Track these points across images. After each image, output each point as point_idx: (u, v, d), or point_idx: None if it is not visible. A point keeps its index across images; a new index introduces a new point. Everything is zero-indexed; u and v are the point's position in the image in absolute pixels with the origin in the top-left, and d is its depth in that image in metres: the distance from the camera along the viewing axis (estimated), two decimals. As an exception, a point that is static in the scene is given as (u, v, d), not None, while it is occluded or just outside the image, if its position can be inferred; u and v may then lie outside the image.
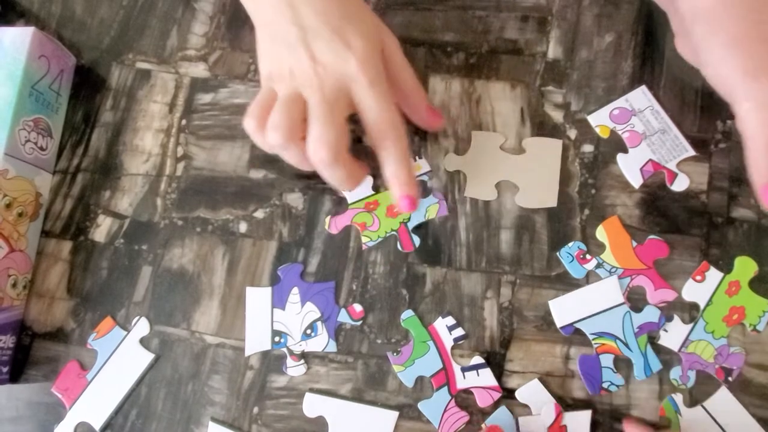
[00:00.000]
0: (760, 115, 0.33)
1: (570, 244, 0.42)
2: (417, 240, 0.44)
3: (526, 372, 0.41)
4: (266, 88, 0.40)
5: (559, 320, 0.41)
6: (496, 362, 0.41)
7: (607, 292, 0.41)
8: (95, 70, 0.51)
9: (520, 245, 0.43)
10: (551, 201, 0.43)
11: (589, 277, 0.42)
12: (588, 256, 0.42)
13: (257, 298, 0.44)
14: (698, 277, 0.41)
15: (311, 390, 0.42)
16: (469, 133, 0.46)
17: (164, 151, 0.48)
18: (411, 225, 0.44)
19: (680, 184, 0.42)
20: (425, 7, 0.48)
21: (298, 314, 0.43)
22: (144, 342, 0.44)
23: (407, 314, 0.42)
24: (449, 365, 0.41)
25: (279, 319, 0.43)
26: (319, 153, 0.37)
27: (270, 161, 0.47)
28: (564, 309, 0.41)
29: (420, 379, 0.41)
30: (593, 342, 0.41)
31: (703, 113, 0.44)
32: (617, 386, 0.40)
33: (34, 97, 0.47)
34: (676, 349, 0.40)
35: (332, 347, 0.42)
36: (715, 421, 0.39)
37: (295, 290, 0.44)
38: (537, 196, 0.44)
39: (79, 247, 0.47)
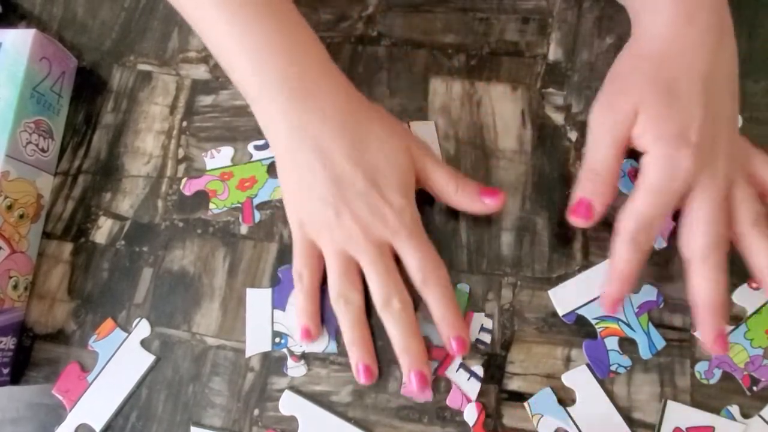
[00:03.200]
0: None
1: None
2: (258, 216, 0.45)
3: (527, 374, 0.41)
4: (302, 238, 0.41)
5: (561, 309, 0.41)
6: (497, 364, 0.41)
7: (604, 275, 0.41)
8: (96, 71, 0.51)
9: (521, 247, 0.43)
10: None
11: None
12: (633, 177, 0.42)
13: (257, 299, 0.44)
14: (754, 285, 0.41)
15: (291, 388, 0.42)
16: (468, 135, 0.46)
17: (165, 152, 0.48)
18: (257, 201, 0.45)
19: None
20: (426, 9, 0.48)
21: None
22: (145, 344, 0.44)
23: (463, 287, 0.42)
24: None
25: (279, 320, 0.43)
26: (396, 306, 0.39)
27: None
28: (564, 297, 0.42)
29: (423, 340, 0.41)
30: (596, 326, 0.41)
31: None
32: (625, 367, 0.40)
33: (36, 99, 0.47)
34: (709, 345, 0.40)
35: (333, 348, 0.42)
36: None
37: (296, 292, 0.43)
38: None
39: (80, 248, 0.47)
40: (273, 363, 0.43)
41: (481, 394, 0.41)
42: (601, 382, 0.40)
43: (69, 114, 0.50)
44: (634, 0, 0.42)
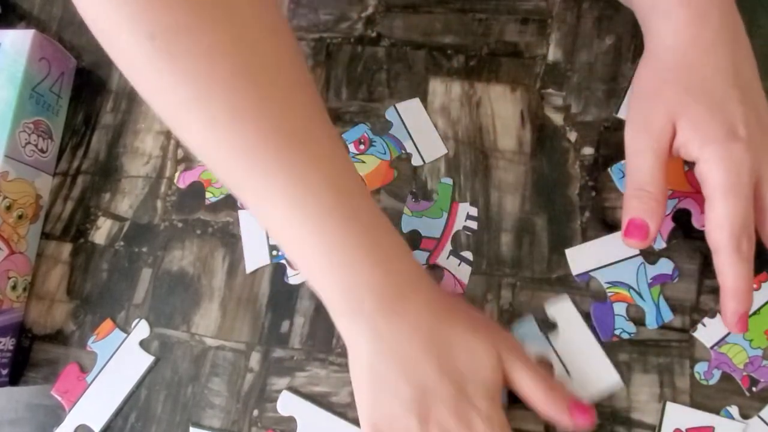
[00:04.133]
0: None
1: (623, 162, 0.43)
2: None
3: (526, 375, 0.41)
4: None
5: (575, 268, 0.42)
6: (496, 365, 0.41)
7: (619, 242, 0.40)
8: (96, 72, 0.51)
9: (520, 248, 0.43)
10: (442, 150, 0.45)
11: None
12: None
13: (248, 219, 0.45)
14: (754, 285, 0.40)
15: (290, 389, 0.42)
16: (468, 136, 0.46)
17: (164, 153, 0.48)
18: None
19: None
20: (426, 9, 0.48)
21: None
22: (144, 344, 0.44)
23: (446, 180, 0.42)
24: (444, 241, 0.42)
25: None
26: None
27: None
28: (580, 258, 0.42)
29: (413, 234, 0.43)
30: (607, 291, 0.41)
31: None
32: (629, 333, 0.40)
33: (35, 100, 0.47)
34: (708, 346, 0.40)
35: None
36: None
37: None
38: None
39: (79, 249, 0.47)
40: (273, 364, 0.43)
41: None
42: (586, 317, 0.41)
43: (68, 114, 0.50)
44: (641, 4, 0.42)
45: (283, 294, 0.44)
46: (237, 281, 0.45)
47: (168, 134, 0.48)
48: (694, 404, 0.40)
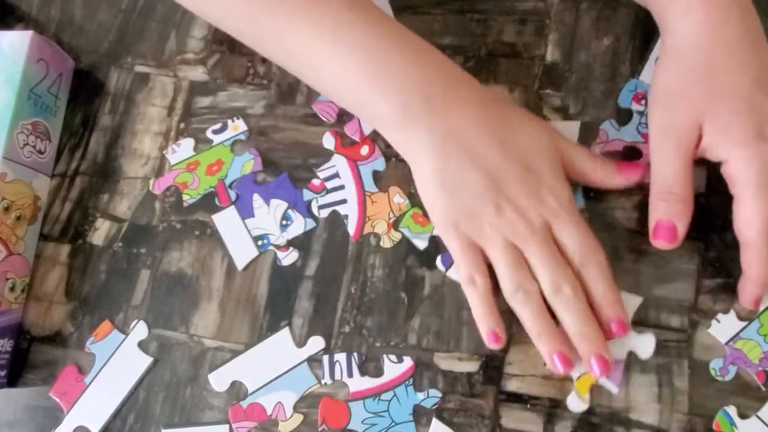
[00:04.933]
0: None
1: (637, 81, 0.45)
2: (233, 195, 0.46)
3: (525, 375, 0.41)
4: (461, 240, 0.39)
5: None
6: (495, 365, 0.41)
7: (565, 131, 0.43)
8: (94, 73, 0.51)
9: (518, 248, 0.43)
10: None
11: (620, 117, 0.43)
12: (642, 102, 0.44)
13: (225, 219, 0.46)
14: None
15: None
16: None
17: (163, 154, 0.48)
18: (228, 181, 0.46)
19: None
20: (423, 10, 0.48)
21: (269, 213, 0.45)
22: (142, 345, 0.44)
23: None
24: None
25: (254, 226, 0.45)
26: (566, 292, 0.38)
27: (268, 165, 0.47)
28: None
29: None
30: None
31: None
32: None
33: (33, 101, 0.47)
34: (723, 342, 0.40)
35: (311, 225, 0.45)
36: None
37: (256, 196, 0.45)
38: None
39: (78, 250, 0.47)
40: (271, 365, 0.43)
41: (480, 395, 0.41)
42: None
43: (66, 116, 0.50)
44: (657, 2, 0.41)
45: (281, 295, 0.44)
46: (235, 282, 0.45)
47: (166, 135, 0.48)
48: (693, 405, 0.40)
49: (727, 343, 0.40)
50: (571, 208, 0.39)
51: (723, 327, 0.40)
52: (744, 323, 0.40)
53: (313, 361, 0.43)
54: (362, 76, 0.38)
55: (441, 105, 0.38)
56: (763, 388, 0.39)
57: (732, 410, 0.39)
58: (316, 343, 0.43)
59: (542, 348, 0.39)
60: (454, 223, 0.39)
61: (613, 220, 0.43)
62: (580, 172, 0.41)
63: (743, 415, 0.39)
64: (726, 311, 0.41)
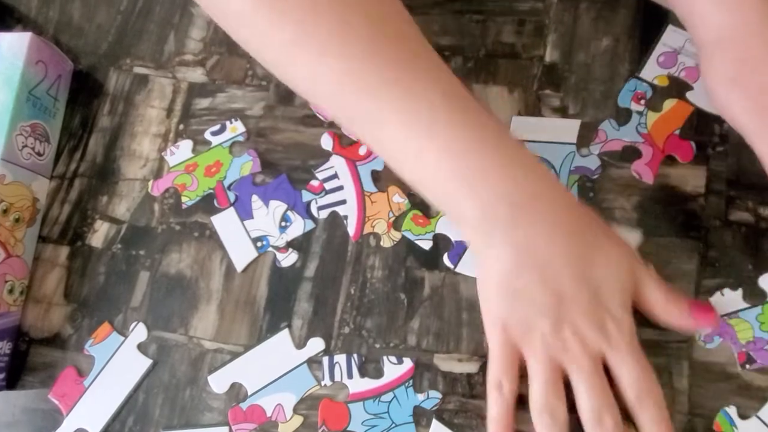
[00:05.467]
0: None
1: (637, 80, 0.45)
2: (232, 196, 0.46)
3: (525, 375, 0.41)
4: (504, 341, 0.37)
5: (513, 133, 0.44)
6: (495, 366, 0.41)
7: (565, 129, 0.44)
8: (93, 75, 0.51)
9: (518, 249, 0.43)
10: None
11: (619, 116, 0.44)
12: (641, 102, 0.44)
13: (224, 221, 0.45)
14: None
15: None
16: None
17: (162, 156, 0.48)
18: (227, 182, 0.46)
19: None
20: (422, 11, 0.48)
21: (267, 214, 0.45)
22: (141, 347, 0.44)
23: None
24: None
25: (253, 228, 0.45)
26: (608, 424, 0.35)
27: (266, 166, 0.47)
28: (523, 127, 0.44)
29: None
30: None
31: (700, 117, 0.44)
32: None
33: (32, 103, 0.46)
34: (720, 314, 0.40)
35: (310, 226, 0.45)
36: None
37: (255, 198, 0.45)
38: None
39: (77, 252, 0.47)
40: (270, 366, 0.43)
41: (480, 396, 0.41)
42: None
43: (65, 117, 0.50)
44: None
45: (281, 296, 0.44)
46: (235, 284, 0.45)
47: (165, 137, 0.48)
48: (693, 405, 0.39)
49: (722, 316, 0.40)
50: (633, 342, 0.37)
51: (725, 301, 0.40)
52: (746, 305, 0.40)
53: (312, 362, 0.42)
54: (450, 174, 0.36)
55: (524, 216, 0.36)
56: (740, 369, 0.39)
57: (732, 410, 0.39)
58: (316, 344, 0.43)
59: None
60: (504, 324, 0.37)
61: (612, 220, 0.43)
62: (649, 307, 0.38)
63: (743, 416, 0.39)
64: (735, 287, 0.41)
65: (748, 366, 0.39)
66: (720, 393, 0.39)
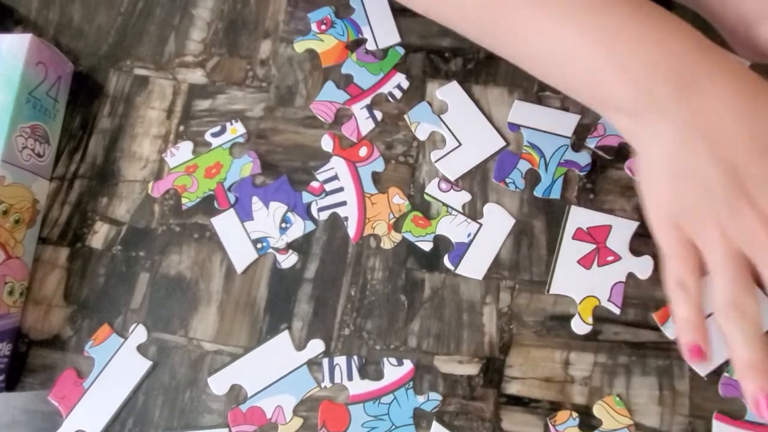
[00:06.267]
0: None
1: None
2: (232, 198, 0.46)
3: (525, 378, 0.41)
4: (678, 239, 0.34)
5: (512, 117, 0.45)
6: (495, 368, 0.41)
7: (563, 122, 0.45)
8: (93, 76, 0.51)
9: (518, 251, 0.43)
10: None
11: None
12: None
13: (224, 222, 0.45)
14: None
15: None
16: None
17: (162, 157, 0.48)
18: (227, 184, 0.46)
19: None
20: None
21: (268, 216, 0.45)
22: (141, 349, 0.44)
23: (399, 49, 0.47)
24: (367, 94, 0.47)
25: (253, 229, 0.45)
26: None
27: (267, 167, 0.47)
28: (522, 112, 0.45)
29: (347, 77, 0.47)
30: (523, 147, 0.45)
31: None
32: (516, 187, 0.44)
33: (32, 104, 0.46)
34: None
35: (311, 227, 0.45)
36: None
37: (255, 199, 0.45)
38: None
39: (77, 253, 0.47)
40: (270, 368, 0.43)
41: (480, 398, 0.41)
42: (471, 96, 0.46)
43: (65, 119, 0.50)
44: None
45: (281, 298, 0.44)
46: (234, 285, 0.44)
47: (165, 138, 0.48)
48: (694, 407, 0.39)
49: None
50: None
51: None
52: None
53: (312, 364, 0.42)
54: (601, 61, 0.33)
55: (691, 84, 0.32)
56: None
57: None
58: (316, 346, 0.43)
59: (746, 385, 0.32)
60: (674, 219, 0.34)
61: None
62: None
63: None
64: None
65: None
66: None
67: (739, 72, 0.33)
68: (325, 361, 0.42)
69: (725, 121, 0.32)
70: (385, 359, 0.42)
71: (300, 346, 0.43)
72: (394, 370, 0.42)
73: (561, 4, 0.34)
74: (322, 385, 0.42)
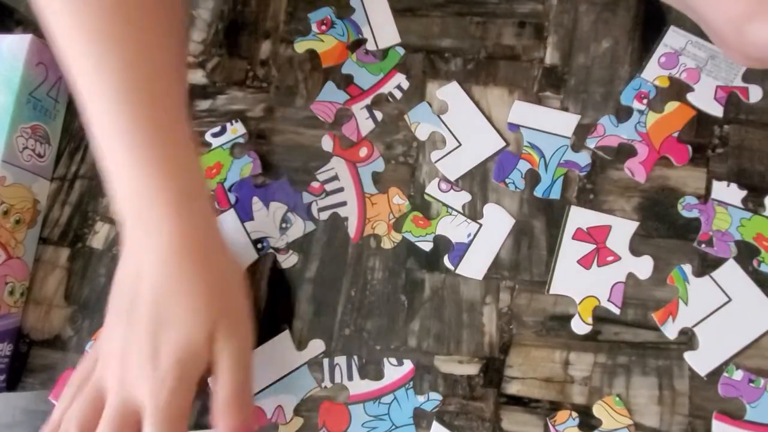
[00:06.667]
0: None
1: (642, 79, 0.45)
2: (233, 198, 0.46)
3: (525, 378, 0.41)
4: (91, 357, 0.38)
5: (512, 117, 0.45)
6: (495, 368, 0.41)
7: (563, 123, 0.45)
8: (93, 77, 0.51)
9: (518, 251, 0.43)
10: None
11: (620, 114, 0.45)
12: (644, 101, 0.44)
13: (225, 223, 0.45)
14: None
15: None
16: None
17: (162, 157, 0.48)
18: (227, 184, 0.46)
19: (756, 95, 0.44)
20: (423, 13, 0.49)
21: (268, 216, 0.45)
22: (142, 349, 0.44)
23: (399, 49, 0.48)
24: (367, 94, 0.47)
25: (253, 229, 0.45)
26: None
27: (267, 168, 0.47)
28: (522, 112, 0.45)
29: (347, 78, 0.47)
30: (523, 148, 0.44)
31: (701, 119, 0.44)
32: (516, 187, 0.44)
33: (32, 105, 0.47)
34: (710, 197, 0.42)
35: (311, 227, 0.45)
36: (722, 289, 0.40)
37: (255, 199, 0.45)
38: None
39: (77, 254, 0.47)
40: (271, 368, 0.43)
41: (480, 398, 0.41)
42: (471, 97, 0.46)
43: (66, 119, 0.50)
44: None
45: (281, 298, 0.44)
46: (235, 285, 0.45)
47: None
48: (693, 407, 0.40)
49: (712, 199, 0.42)
50: (167, 417, 0.33)
51: (728, 193, 0.42)
52: (739, 207, 0.42)
53: (313, 364, 0.42)
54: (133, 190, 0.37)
55: (137, 222, 0.37)
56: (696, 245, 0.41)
57: (687, 268, 0.41)
58: (316, 346, 0.43)
59: None
60: (106, 322, 0.38)
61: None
62: (212, 386, 0.36)
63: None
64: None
65: (704, 246, 0.41)
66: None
67: (191, 238, 0.36)
68: (326, 362, 0.42)
69: (142, 269, 0.36)
70: (385, 359, 0.42)
71: (300, 346, 0.43)
72: (395, 370, 0.42)
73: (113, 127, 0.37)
74: (323, 384, 0.42)
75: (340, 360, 0.42)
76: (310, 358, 0.43)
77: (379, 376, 0.42)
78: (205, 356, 0.35)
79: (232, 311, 0.37)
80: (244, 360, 0.37)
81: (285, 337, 0.43)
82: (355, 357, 0.42)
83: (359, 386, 0.42)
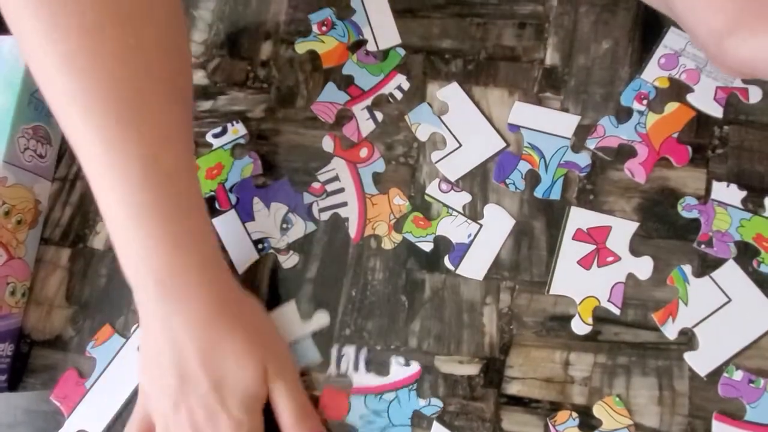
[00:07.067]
0: None
1: (642, 80, 0.45)
2: (234, 198, 0.46)
3: (525, 378, 0.41)
4: (142, 408, 0.40)
5: (512, 118, 0.45)
6: (495, 368, 0.41)
7: (563, 123, 0.45)
8: (94, 77, 0.51)
9: (519, 251, 0.43)
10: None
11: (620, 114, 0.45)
12: (644, 102, 0.44)
13: (225, 224, 0.45)
14: None
15: None
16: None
17: (163, 158, 0.48)
18: (228, 184, 0.46)
19: (755, 96, 0.44)
20: (423, 14, 0.49)
21: (269, 216, 0.45)
22: (143, 349, 0.44)
23: (399, 50, 0.48)
24: (368, 95, 0.47)
25: (254, 230, 0.45)
26: None
27: (268, 168, 0.47)
28: (523, 113, 0.45)
29: (347, 78, 0.47)
30: (523, 148, 0.45)
31: (701, 120, 0.44)
32: (516, 188, 0.44)
33: (33, 105, 0.47)
34: (710, 197, 0.42)
35: (311, 228, 0.45)
36: (722, 290, 0.41)
37: (256, 199, 0.46)
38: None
39: (78, 254, 0.47)
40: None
41: (481, 398, 0.41)
42: (472, 97, 0.46)
43: (67, 120, 0.50)
44: None
45: (282, 298, 0.44)
46: (236, 286, 0.45)
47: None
48: (693, 407, 0.40)
49: (713, 200, 0.42)
50: None
51: (727, 193, 0.42)
52: (739, 207, 0.42)
53: (318, 335, 0.43)
54: (121, 222, 0.38)
55: (170, 293, 0.38)
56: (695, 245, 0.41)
57: (687, 268, 0.41)
58: (321, 318, 0.44)
59: None
60: (145, 393, 0.40)
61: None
62: (278, 417, 0.39)
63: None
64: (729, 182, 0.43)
65: (704, 246, 0.41)
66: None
67: (219, 296, 0.39)
68: (334, 349, 0.43)
69: (186, 334, 0.38)
70: (393, 358, 0.42)
71: (306, 316, 0.43)
72: (401, 370, 0.42)
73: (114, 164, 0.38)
74: (328, 371, 0.42)
75: (349, 350, 0.43)
76: (314, 329, 0.43)
77: (384, 371, 0.42)
78: (264, 393, 0.39)
79: (275, 354, 0.40)
80: (298, 389, 0.40)
81: (291, 307, 0.44)
82: (365, 348, 0.42)
83: (364, 378, 0.42)
